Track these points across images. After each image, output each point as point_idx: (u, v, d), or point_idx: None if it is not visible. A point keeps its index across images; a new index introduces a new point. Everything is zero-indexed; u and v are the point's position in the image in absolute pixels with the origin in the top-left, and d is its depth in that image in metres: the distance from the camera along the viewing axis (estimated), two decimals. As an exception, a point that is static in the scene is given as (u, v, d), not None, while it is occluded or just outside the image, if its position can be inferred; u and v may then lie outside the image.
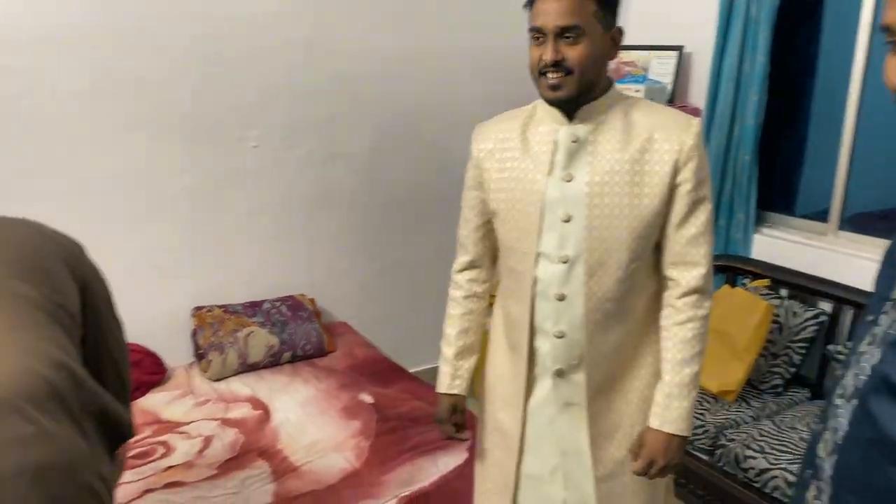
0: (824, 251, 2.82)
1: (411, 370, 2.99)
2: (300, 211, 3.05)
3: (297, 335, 2.82)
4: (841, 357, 2.61)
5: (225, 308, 2.81)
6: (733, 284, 2.97)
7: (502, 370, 1.65)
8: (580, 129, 1.46)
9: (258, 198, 2.93)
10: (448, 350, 1.69)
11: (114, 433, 1.02)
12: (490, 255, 1.68)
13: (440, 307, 3.37)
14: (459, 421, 1.68)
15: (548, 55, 1.38)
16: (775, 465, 2.31)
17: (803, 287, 2.80)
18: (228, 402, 2.51)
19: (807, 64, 3.19)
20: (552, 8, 1.36)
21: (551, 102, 1.45)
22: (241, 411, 2.45)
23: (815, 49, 3.15)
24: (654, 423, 1.50)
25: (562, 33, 1.37)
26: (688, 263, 1.48)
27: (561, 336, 1.52)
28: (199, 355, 2.70)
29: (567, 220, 1.47)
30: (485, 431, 1.71)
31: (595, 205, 1.44)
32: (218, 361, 2.64)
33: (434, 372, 3.36)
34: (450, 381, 1.68)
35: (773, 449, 2.37)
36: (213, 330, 2.69)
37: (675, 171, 1.42)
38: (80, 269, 1.15)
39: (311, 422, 2.39)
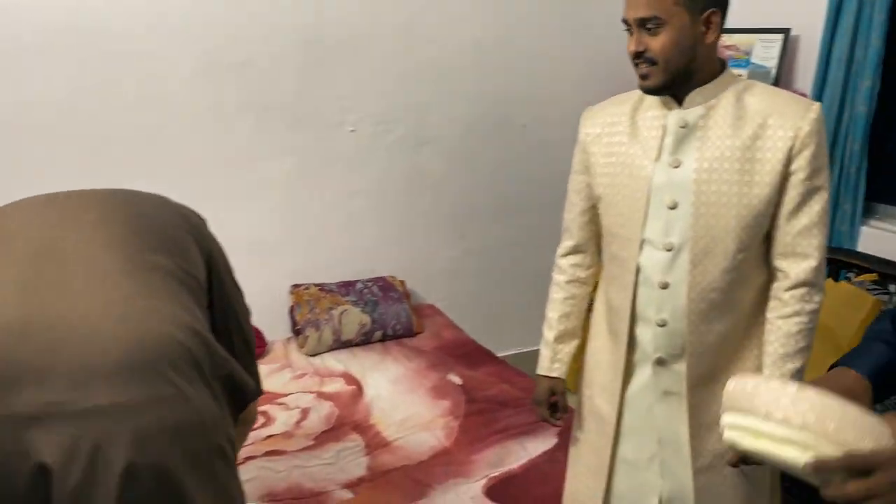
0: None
1: (497, 354, 3.02)
2: (392, 194, 3.11)
3: (387, 315, 2.89)
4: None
5: (321, 286, 2.91)
6: (837, 278, 2.85)
7: (601, 356, 1.65)
8: (690, 113, 1.43)
9: (353, 181, 3.02)
10: (549, 333, 1.71)
11: (238, 396, 1.09)
12: (595, 240, 1.67)
13: (527, 293, 3.41)
14: (557, 403, 1.70)
15: (631, 46, 1.39)
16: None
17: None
18: (323, 377, 2.61)
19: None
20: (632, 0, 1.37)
21: (644, 91, 1.44)
22: (336, 386, 2.54)
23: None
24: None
25: (643, 24, 1.36)
26: (798, 255, 1.43)
27: (663, 324, 1.51)
28: (297, 331, 2.81)
29: (673, 207, 1.45)
30: (581, 416, 1.72)
31: (702, 192, 1.42)
32: (314, 337, 2.74)
33: (520, 357, 3.41)
34: (549, 364, 1.70)
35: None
36: (309, 307, 2.80)
37: (789, 159, 1.37)
38: (204, 240, 1.23)
39: (401, 399, 2.46)
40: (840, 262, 2.87)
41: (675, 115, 1.44)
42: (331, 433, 2.29)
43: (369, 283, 2.99)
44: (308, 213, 2.95)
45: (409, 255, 3.21)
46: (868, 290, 2.67)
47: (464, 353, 2.83)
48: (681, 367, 1.52)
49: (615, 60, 3.39)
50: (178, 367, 0.95)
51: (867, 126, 2.81)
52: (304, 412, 2.39)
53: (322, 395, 2.48)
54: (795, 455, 0.87)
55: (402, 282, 3.09)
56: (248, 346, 1.29)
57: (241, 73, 2.69)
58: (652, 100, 1.49)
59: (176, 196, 1.38)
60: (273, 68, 2.74)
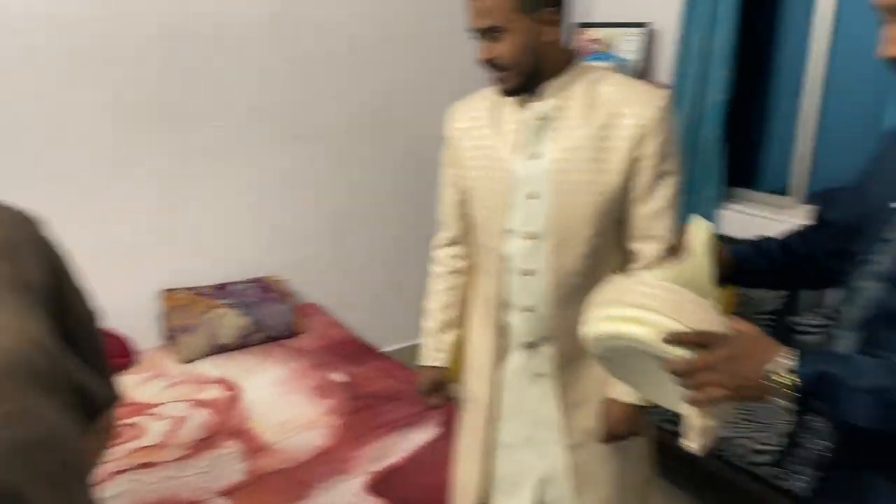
0: (787, 225, 2.86)
1: (383, 350, 3.00)
2: (270, 192, 3.03)
3: (267, 316, 2.81)
4: (802, 328, 2.67)
5: (194, 290, 2.79)
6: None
7: (478, 343, 1.69)
8: (544, 106, 1.46)
9: (226, 179, 2.91)
10: (431, 324, 1.74)
11: (91, 405, 1.02)
12: (471, 231, 1.69)
13: (411, 287, 3.41)
14: (441, 392, 1.73)
15: (480, 54, 1.42)
16: (739, 433, 2.36)
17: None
18: (199, 384, 2.50)
19: (772, 39, 3.22)
20: (473, 10, 1.39)
21: (503, 94, 1.48)
22: (213, 392, 2.44)
23: (779, 24, 3.19)
24: (612, 393, 1.54)
25: (487, 32, 1.39)
26: (651, 237, 1.49)
27: (530, 310, 1.55)
28: (169, 338, 2.69)
29: (533, 197, 1.48)
30: (465, 402, 1.75)
31: (559, 181, 1.45)
32: (188, 343, 2.62)
33: (406, 351, 3.40)
34: (433, 354, 1.73)
35: (736, 418, 2.42)
36: (182, 312, 2.67)
37: (637, 146, 1.42)
38: (42, 243, 1.14)
39: (282, 401, 2.39)
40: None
41: (531, 109, 1.47)
42: (207, 441, 2.19)
43: (247, 285, 2.89)
44: (180, 214, 2.83)
45: (289, 254, 3.13)
46: (728, 268, 2.83)
47: (348, 350, 2.79)
48: (549, 350, 1.57)
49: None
50: (18, 380, 0.87)
51: (724, 114, 2.99)
52: (179, 421, 2.28)
53: (198, 403, 2.38)
54: (649, 331, 0.99)
55: (281, 281, 3.01)
56: (99, 350, 1.20)
57: (103, 70, 2.54)
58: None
59: (38, 202, 1.28)
60: (137, 64, 2.60)
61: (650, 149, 1.42)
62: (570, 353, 1.56)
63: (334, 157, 3.15)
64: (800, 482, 1.20)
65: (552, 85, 1.45)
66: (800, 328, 2.68)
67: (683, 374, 0.97)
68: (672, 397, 1.04)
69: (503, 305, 1.58)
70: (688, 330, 0.96)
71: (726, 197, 3.15)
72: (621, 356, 1.08)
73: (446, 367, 1.74)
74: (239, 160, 2.92)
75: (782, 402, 0.95)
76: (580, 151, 1.44)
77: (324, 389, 2.48)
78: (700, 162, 3.08)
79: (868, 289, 1.07)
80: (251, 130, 2.92)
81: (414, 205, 3.38)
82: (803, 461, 1.20)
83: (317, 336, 2.90)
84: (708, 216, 3.08)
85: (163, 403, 2.37)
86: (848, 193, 1.25)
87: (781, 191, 3.08)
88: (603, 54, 3.20)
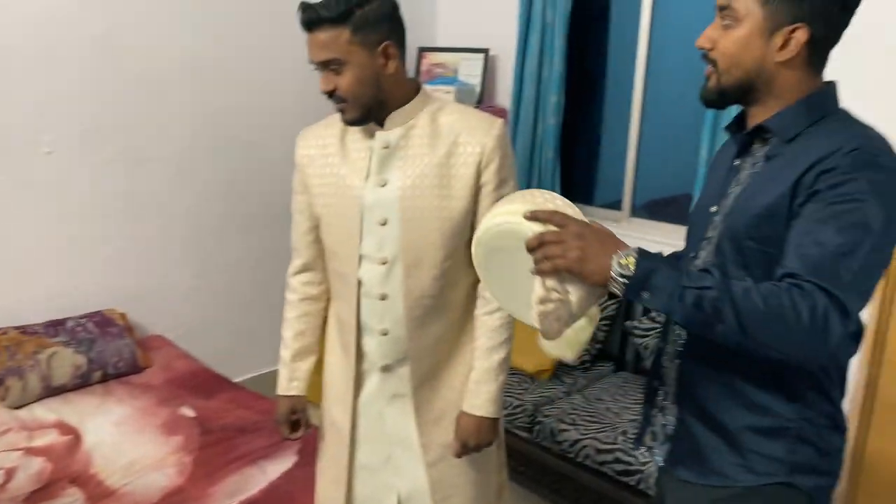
0: (620, 236, 3.10)
1: (235, 380, 2.92)
2: (105, 220, 2.86)
3: (107, 353, 2.65)
4: (637, 331, 2.90)
5: (22, 329, 2.58)
6: (544, 272, 3.18)
7: (336, 368, 1.70)
8: (390, 135, 1.50)
9: (56, 208, 2.72)
10: (285, 352, 1.72)
11: None
12: (322, 257, 1.70)
13: (263, 313, 3.34)
14: (299, 421, 1.72)
15: (321, 86, 1.44)
16: (585, 434, 2.52)
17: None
18: (32, 430, 2.31)
19: (599, 66, 3.49)
20: (311, 43, 1.42)
21: (345, 124, 1.51)
22: (48, 438, 2.27)
23: (605, 52, 3.46)
24: (465, 406, 1.60)
25: (326, 65, 1.42)
26: None
27: (385, 333, 1.58)
28: (-6, 383, 2.46)
29: (384, 224, 1.53)
30: (323, 428, 1.75)
31: (407, 207, 1.50)
32: (17, 387, 2.42)
33: (258, 380, 3.32)
34: (287, 383, 1.72)
35: (583, 421, 2.58)
36: (9, 354, 2.46)
37: (479, 172, 1.50)
38: None
39: (127, 441, 2.27)
40: (545, 257, 3.22)
41: (378, 138, 1.51)
42: (43, 492, 2.03)
43: (83, 320, 2.71)
44: (4, 247, 2.61)
45: (130, 285, 2.97)
46: (568, 280, 3.02)
47: (197, 383, 2.69)
48: (405, 371, 1.61)
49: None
50: None
51: (558, 135, 3.19)
52: (9, 472, 2.09)
53: (31, 451, 2.20)
54: (519, 219, 1.11)
55: (122, 314, 2.85)
56: None
57: None
58: None
59: None
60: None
61: (490, 174, 1.51)
62: (425, 373, 1.62)
63: (175, 181, 3.02)
64: (658, 456, 1.37)
65: (397, 115, 1.50)
66: (636, 332, 2.91)
67: (535, 248, 1.07)
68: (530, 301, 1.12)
69: (359, 330, 1.61)
70: (552, 211, 1.09)
71: (565, 212, 3.35)
72: (498, 266, 1.19)
73: (303, 396, 1.73)
74: (71, 187, 2.74)
75: (617, 288, 1.06)
76: (426, 179, 1.49)
77: (172, 426, 2.37)
78: (539, 180, 3.26)
79: None
80: (84, 156, 2.75)
81: (260, 228, 3.31)
82: (656, 437, 1.37)
83: (163, 370, 2.77)
84: (549, 231, 3.26)
85: (-11, 455, 2.17)
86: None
87: (615, 204, 3.33)
88: (447, 78, 3.32)
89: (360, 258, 1.56)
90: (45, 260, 2.73)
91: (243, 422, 2.42)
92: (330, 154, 1.57)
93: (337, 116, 1.57)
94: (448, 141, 1.50)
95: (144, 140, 2.90)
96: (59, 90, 2.64)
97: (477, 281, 1.63)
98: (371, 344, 1.61)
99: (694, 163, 2.78)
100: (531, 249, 1.08)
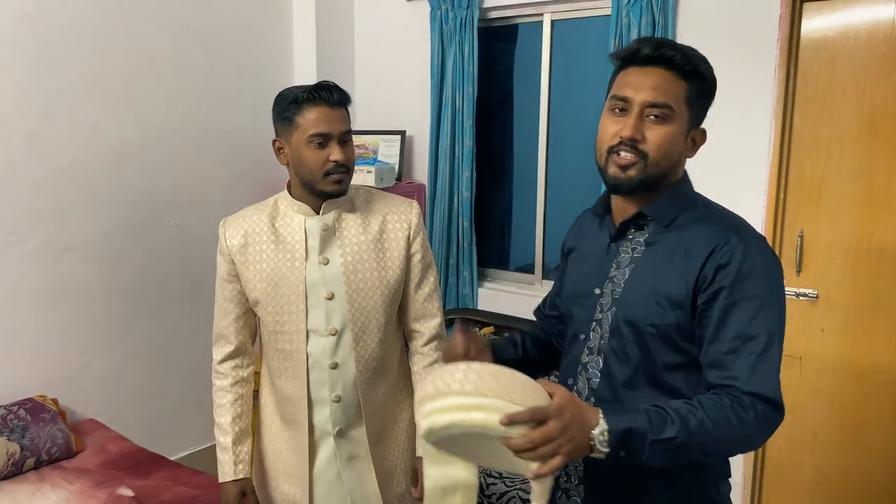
0: (533, 297, 3.34)
1: (173, 458, 2.95)
2: (32, 307, 2.89)
3: (40, 439, 2.66)
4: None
5: (-50, 421, 2.57)
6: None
7: (279, 443, 1.79)
8: (327, 218, 1.69)
9: (-17, 297, 2.75)
10: (225, 438, 1.77)
11: None
12: (251, 339, 1.82)
13: (190, 391, 3.42)
14: (251, 503, 1.79)
15: (338, 156, 1.63)
16: (511, 486, 2.69)
17: (520, 329, 3.30)
18: (-35, 522, 2.30)
19: (506, 143, 3.80)
20: (332, 118, 1.64)
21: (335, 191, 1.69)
22: (-19, 530, 2.27)
23: (510, 130, 3.78)
24: (421, 452, 1.77)
25: (342, 137, 1.67)
26: (427, 316, 1.80)
27: (338, 400, 1.72)
28: (-78, 477, 2.44)
29: (330, 298, 1.68)
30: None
31: (352, 281, 1.68)
32: (-53, 480, 2.41)
33: (192, 458, 3.36)
34: (233, 468, 1.76)
35: (509, 473, 2.76)
36: (-63, 447, 2.45)
37: (409, 245, 1.75)
38: None
39: (66, 526, 2.29)
40: (466, 319, 3.43)
41: (317, 221, 1.69)
42: (-20, 584, 2.04)
43: (14, 408, 2.72)
44: (-73, 340, 2.61)
45: (59, 370, 2.99)
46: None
47: (133, 463, 2.72)
48: (359, 433, 1.75)
49: (257, 161, 3.67)
50: None
51: (472, 207, 3.45)
52: (-58, 569, 2.09)
53: (-36, 544, 2.20)
54: (486, 416, 1.05)
55: (54, 400, 2.86)
56: None
57: None
58: (286, 208, 1.72)
59: None
60: None
61: (417, 246, 1.76)
62: (378, 431, 1.78)
63: (100, 266, 3.07)
64: None
65: (332, 203, 1.70)
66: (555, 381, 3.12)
67: (526, 450, 1.06)
68: (509, 461, 1.12)
69: (309, 402, 1.72)
70: (522, 409, 1.05)
71: (482, 277, 3.60)
72: (456, 439, 1.12)
73: (249, 478, 1.79)
74: (-1, 277, 2.78)
75: (602, 455, 1.12)
76: (365, 254, 1.70)
77: (111, 507, 2.40)
78: (458, 248, 3.50)
79: (591, 363, 1.36)
80: (10, 245, 2.81)
81: (186, 309, 3.39)
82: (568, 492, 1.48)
83: (97, 453, 2.78)
84: (470, 294, 3.49)
85: (-79, 552, 2.15)
86: (558, 286, 1.58)
87: (528, 268, 3.59)
88: (368, 159, 3.55)
89: (308, 333, 1.68)
90: (-27, 350, 2.74)
91: (182, 497, 2.47)
92: (261, 241, 1.69)
93: (261, 204, 1.76)
94: (378, 220, 1.73)
95: (70, 227, 2.97)
96: (-11, 183, 2.71)
97: (407, 339, 1.84)
98: (322, 413, 1.73)
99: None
100: (520, 450, 1.07)
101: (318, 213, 1.70)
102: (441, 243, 3.50)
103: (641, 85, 1.27)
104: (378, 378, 1.76)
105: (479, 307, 3.49)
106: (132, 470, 2.67)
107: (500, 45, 3.69)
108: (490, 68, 3.64)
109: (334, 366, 1.70)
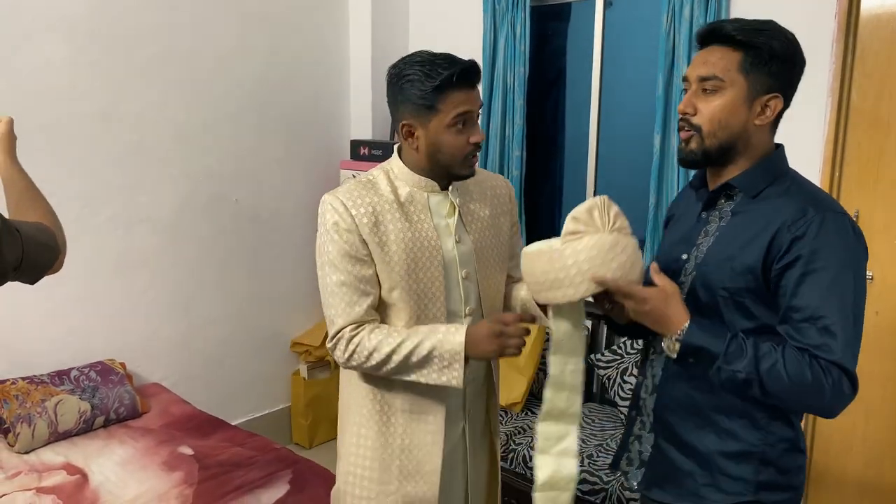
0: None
1: (233, 423, 3.11)
2: (105, 276, 3.08)
3: (109, 399, 2.84)
4: (600, 364, 3.14)
5: (29, 379, 2.77)
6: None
7: (406, 442, 1.65)
8: (454, 196, 1.63)
9: (60, 266, 2.94)
10: (415, 336, 1.53)
11: None
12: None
13: (255, 361, 3.56)
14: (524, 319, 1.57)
15: (475, 137, 1.56)
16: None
17: (568, 309, 3.33)
18: (41, 472, 2.49)
19: (557, 122, 3.81)
20: (473, 97, 1.55)
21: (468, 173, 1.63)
22: (57, 478, 2.45)
23: (562, 109, 3.79)
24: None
25: (476, 117, 1.60)
26: (516, 266, 1.79)
27: (473, 381, 1.70)
28: (4, 430, 2.65)
29: (466, 277, 1.63)
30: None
31: (482, 259, 1.65)
32: (27, 433, 2.60)
33: (251, 423, 3.50)
34: (451, 328, 1.55)
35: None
36: (18, 402, 2.65)
37: (511, 212, 1.77)
38: None
39: (131, 478, 2.45)
40: (514, 298, 3.47)
41: (444, 198, 1.62)
42: (54, 527, 2.21)
43: (86, 369, 2.91)
44: (7, 304, 2.81)
45: (128, 336, 3.18)
46: (536, 318, 3.27)
47: (194, 425, 2.88)
48: (481, 411, 1.79)
49: (314, 140, 3.79)
50: None
51: (521, 186, 3.48)
52: (22, 511, 2.27)
53: (42, 490, 2.38)
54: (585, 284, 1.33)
55: (122, 364, 3.05)
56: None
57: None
58: (404, 185, 1.60)
59: None
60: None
61: (515, 216, 1.80)
62: (497, 406, 1.82)
63: (167, 239, 3.26)
64: (633, 479, 1.59)
65: (459, 187, 1.65)
66: (600, 364, 3.15)
67: (624, 296, 1.34)
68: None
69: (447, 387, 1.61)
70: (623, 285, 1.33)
71: (532, 257, 3.62)
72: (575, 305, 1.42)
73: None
74: (73, 248, 2.96)
75: (672, 355, 1.34)
76: (487, 231, 1.68)
77: (172, 463, 2.56)
78: (508, 228, 3.54)
79: None
80: (84, 219, 2.99)
81: (248, 282, 3.55)
82: (631, 462, 1.60)
83: (161, 415, 2.96)
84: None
85: (3, 495, 2.34)
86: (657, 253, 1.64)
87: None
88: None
89: (448, 314, 1.61)
90: (50, 315, 2.94)
91: (238, 457, 2.61)
92: (395, 219, 1.56)
93: (368, 181, 1.61)
94: (488, 197, 1.71)
95: (139, 202, 3.15)
96: (62, 160, 2.90)
97: None
98: (457, 397, 1.67)
99: (644, 208, 3.07)
100: (623, 295, 1.34)
101: (443, 190, 1.63)
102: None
103: (696, 62, 1.38)
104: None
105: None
106: (193, 431, 2.83)
107: (552, 24, 3.69)
108: (542, 48, 3.66)
109: None
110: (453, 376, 1.52)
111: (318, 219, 1.60)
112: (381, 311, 1.60)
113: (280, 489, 2.40)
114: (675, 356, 1.33)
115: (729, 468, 1.40)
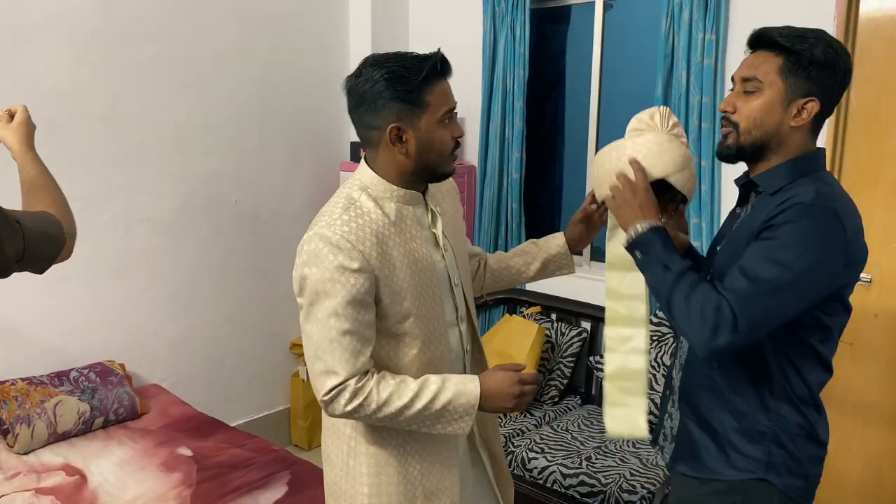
0: (582, 279, 3.37)
1: (232, 424, 3.11)
2: (104, 277, 3.09)
3: (108, 400, 2.85)
4: (600, 366, 3.14)
5: (28, 380, 2.78)
6: (512, 312, 3.44)
7: (423, 466, 1.57)
8: (433, 204, 1.56)
9: (59, 267, 2.94)
10: (427, 387, 1.44)
11: None
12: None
13: (249, 362, 3.57)
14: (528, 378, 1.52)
15: (457, 132, 1.51)
16: (552, 461, 2.73)
17: (567, 310, 3.34)
18: (40, 473, 2.49)
19: (556, 124, 3.82)
20: (448, 92, 1.50)
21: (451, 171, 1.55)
22: (56, 479, 2.45)
23: (561, 112, 3.79)
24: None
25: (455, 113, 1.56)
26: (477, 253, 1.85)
27: None
28: (4, 430, 2.65)
29: (456, 285, 1.58)
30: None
31: (461, 266, 1.62)
32: (25, 434, 2.61)
33: (250, 425, 3.50)
34: (468, 376, 1.48)
35: (550, 449, 2.80)
36: (18, 403, 2.66)
37: (458, 202, 1.73)
38: None
39: (130, 479, 2.45)
40: (513, 299, 3.48)
41: (424, 209, 1.54)
42: (53, 527, 2.21)
43: (85, 370, 2.92)
44: (6, 305, 2.82)
45: (127, 337, 3.18)
46: (535, 320, 3.27)
47: (193, 426, 2.88)
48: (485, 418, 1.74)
49: (315, 142, 3.79)
50: None
51: (521, 188, 3.48)
52: (20, 511, 2.27)
53: (40, 491, 2.38)
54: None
55: (121, 365, 3.06)
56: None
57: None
58: (388, 200, 1.48)
59: None
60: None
61: (459, 198, 1.75)
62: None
63: (167, 240, 3.26)
64: (666, 454, 1.67)
65: (429, 192, 1.57)
66: (599, 366, 3.15)
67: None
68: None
69: None
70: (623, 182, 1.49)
71: (532, 259, 3.63)
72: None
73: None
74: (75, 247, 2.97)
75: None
76: (458, 235, 1.64)
77: (171, 464, 2.56)
78: (506, 230, 3.55)
79: None
80: (85, 219, 2.99)
81: (247, 283, 3.55)
82: (666, 438, 1.67)
83: (160, 415, 2.96)
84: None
85: (2, 496, 2.34)
86: None
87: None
88: (418, 139, 3.62)
89: (447, 327, 1.55)
90: (50, 315, 2.94)
91: (237, 459, 2.62)
92: (395, 244, 1.45)
93: (346, 202, 1.47)
94: (443, 192, 1.64)
95: (139, 203, 3.15)
96: (62, 160, 2.89)
97: None
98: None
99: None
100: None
101: (424, 199, 1.54)
102: (490, 224, 3.55)
103: (742, 65, 1.47)
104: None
105: (527, 287, 3.52)
106: (192, 432, 2.83)
107: (551, 26, 3.70)
108: (541, 50, 3.66)
109: (469, 350, 1.64)
110: (461, 427, 1.46)
111: (301, 258, 1.42)
112: (387, 343, 1.48)
113: (278, 490, 2.40)
114: (630, 241, 1.45)
115: (741, 446, 1.47)
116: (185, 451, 2.66)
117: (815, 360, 1.45)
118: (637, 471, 2.64)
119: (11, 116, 1.58)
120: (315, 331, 1.41)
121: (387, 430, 1.52)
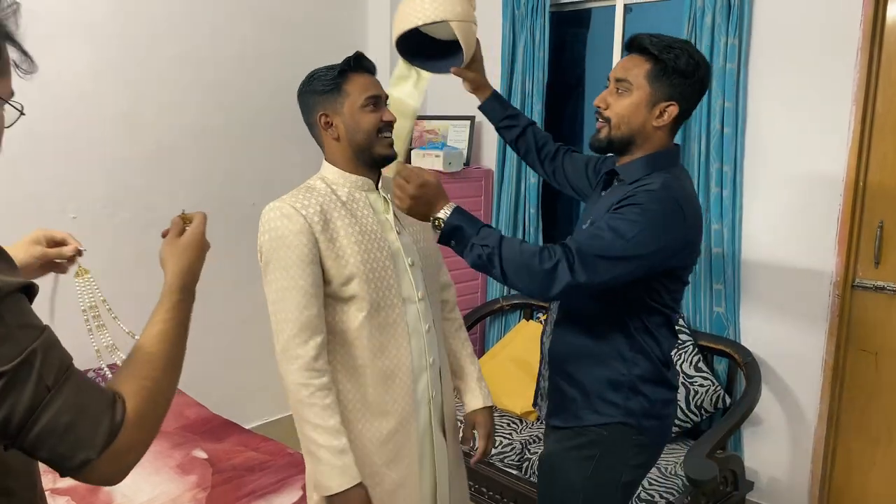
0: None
1: (247, 426, 3.10)
2: (118, 277, 3.09)
3: (124, 401, 2.84)
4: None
5: (46, 380, 2.78)
6: (530, 318, 3.41)
7: (381, 433, 1.66)
8: (388, 193, 1.71)
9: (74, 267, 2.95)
10: (339, 440, 1.55)
11: None
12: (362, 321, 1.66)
13: (265, 364, 3.54)
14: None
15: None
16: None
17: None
18: (54, 473, 2.49)
19: (576, 129, 3.78)
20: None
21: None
22: (71, 480, 2.44)
23: (581, 116, 3.76)
24: (481, 403, 1.87)
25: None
26: (448, 285, 1.92)
27: (433, 364, 1.73)
28: (20, 430, 2.65)
29: (413, 265, 1.70)
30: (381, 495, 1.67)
31: (421, 248, 1.75)
32: (42, 434, 2.61)
33: (265, 427, 3.49)
34: (354, 472, 1.57)
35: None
36: (34, 403, 2.66)
37: None
38: None
39: (145, 481, 2.45)
40: (529, 305, 3.45)
41: (379, 193, 1.72)
42: (68, 529, 2.21)
43: (102, 370, 2.91)
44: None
45: (144, 339, 3.18)
46: (552, 326, 3.25)
47: (208, 428, 2.88)
48: (448, 399, 1.81)
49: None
50: None
51: (539, 193, 3.46)
52: (36, 512, 2.27)
53: (56, 492, 2.38)
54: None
55: (138, 366, 3.05)
56: None
57: (-59, 163, 2.56)
58: (342, 185, 1.68)
59: None
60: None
61: None
62: (451, 392, 1.85)
63: (187, 242, 3.27)
64: (543, 412, 1.84)
65: (384, 176, 1.76)
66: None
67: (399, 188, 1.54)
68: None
69: (417, 372, 1.68)
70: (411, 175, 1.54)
71: (549, 264, 3.60)
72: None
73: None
74: (92, 249, 2.97)
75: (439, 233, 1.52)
76: (422, 228, 1.77)
77: (186, 467, 2.55)
78: (524, 234, 3.52)
79: None
80: (103, 220, 3.01)
81: (262, 287, 3.54)
82: (542, 398, 1.84)
83: (176, 417, 2.95)
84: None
85: (18, 496, 2.35)
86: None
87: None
88: (436, 143, 3.60)
89: (403, 301, 1.66)
90: (66, 315, 2.94)
91: (252, 462, 2.60)
92: (342, 216, 1.62)
93: (307, 188, 1.67)
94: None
95: (156, 204, 3.16)
96: (83, 162, 2.92)
97: None
98: (422, 381, 1.70)
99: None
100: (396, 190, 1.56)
101: (377, 187, 1.72)
102: (507, 229, 3.53)
103: (617, 66, 1.64)
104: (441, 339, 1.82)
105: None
106: (207, 434, 2.82)
107: (571, 30, 3.67)
108: (561, 54, 3.64)
109: (429, 329, 1.72)
110: (320, 470, 1.57)
111: (259, 230, 1.64)
112: (338, 309, 1.63)
113: (293, 495, 2.39)
114: (439, 233, 1.52)
115: (605, 393, 1.66)
116: (201, 454, 2.65)
117: (662, 319, 1.65)
118: (656, 480, 2.60)
119: (185, 225, 1.22)
120: (269, 288, 1.63)
121: (356, 419, 1.66)
